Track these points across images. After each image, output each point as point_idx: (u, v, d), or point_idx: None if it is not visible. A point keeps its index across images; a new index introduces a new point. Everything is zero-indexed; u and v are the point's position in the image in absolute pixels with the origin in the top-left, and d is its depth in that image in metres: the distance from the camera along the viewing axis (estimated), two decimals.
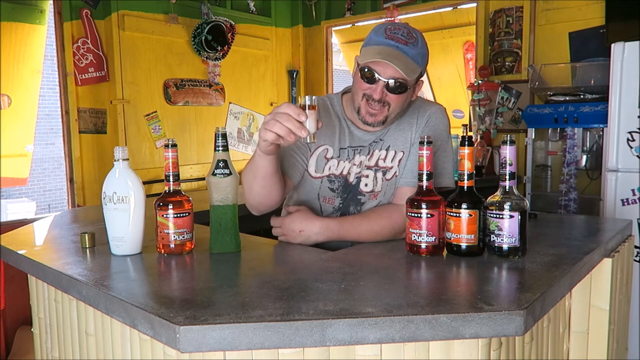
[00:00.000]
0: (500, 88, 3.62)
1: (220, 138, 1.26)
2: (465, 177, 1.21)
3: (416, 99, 1.57)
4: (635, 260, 2.40)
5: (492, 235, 1.20)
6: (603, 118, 2.74)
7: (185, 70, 4.07)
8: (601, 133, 3.00)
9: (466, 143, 1.20)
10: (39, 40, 3.52)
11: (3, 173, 3.50)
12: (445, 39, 5.20)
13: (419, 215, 1.22)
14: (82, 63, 3.60)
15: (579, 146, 3.11)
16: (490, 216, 1.19)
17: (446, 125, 1.54)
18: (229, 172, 1.27)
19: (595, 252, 1.28)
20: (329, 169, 1.53)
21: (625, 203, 2.60)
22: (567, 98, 3.11)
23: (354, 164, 1.52)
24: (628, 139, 2.59)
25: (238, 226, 1.32)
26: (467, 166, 1.21)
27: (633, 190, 2.58)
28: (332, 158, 1.53)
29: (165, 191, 1.29)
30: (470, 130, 3.73)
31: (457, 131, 4.27)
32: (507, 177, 1.19)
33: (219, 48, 4.06)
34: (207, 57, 4.10)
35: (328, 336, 0.86)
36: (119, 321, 1.00)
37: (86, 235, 1.36)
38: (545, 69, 3.33)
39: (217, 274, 1.19)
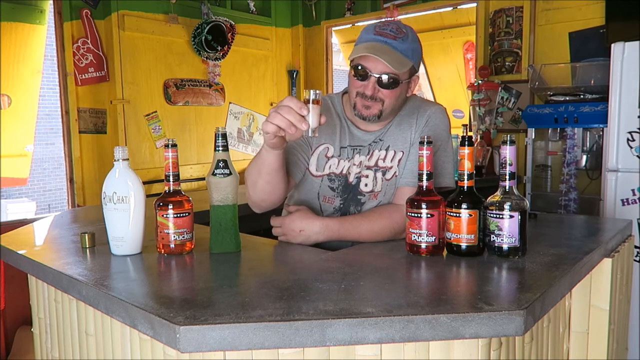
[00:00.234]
0: (500, 88, 3.62)
1: (220, 138, 1.27)
2: (465, 177, 1.21)
3: (416, 99, 1.57)
4: (635, 260, 2.40)
5: (492, 235, 1.20)
6: (603, 118, 2.74)
7: (185, 70, 4.07)
8: (601, 133, 3.00)
9: (466, 143, 1.20)
10: (39, 40, 3.52)
11: (3, 173, 3.51)
12: (445, 39, 5.20)
13: (419, 215, 1.22)
14: (82, 63, 3.60)
15: (579, 146, 3.11)
16: (490, 216, 1.19)
17: (446, 125, 1.54)
18: (229, 172, 1.27)
19: (595, 252, 1.28)
20: (329, 167, 1.54)
21: (625, 203, 2.60)
22: (567, 98, 3.11)
23: (354, 164, 1.52)
24: (628, 139, 2.59)
25: (238, 226, 1.32)
26: (467, 166, 1.21)
27: (633, 190, 2.58)
28: (332, 157, 1.54)
29: (165, 191, 1.29)
30: (470, 130, 3.73)
31: (457, 131, 4.26)
32: (507, 177, 1.19)
33: (219, 48, 4.06)
34: (207, 57, 4.10)
35: (328, 336, 0.86)
36: (119, 321, 1.00)
37: (86, 235, 1.36)
38: (545, 69, 3.33)
39: (217, 274, 1.19)
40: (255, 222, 1.71)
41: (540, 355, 1.17)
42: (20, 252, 1.36)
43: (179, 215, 1.26)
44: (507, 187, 1.19)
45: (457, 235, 1.21)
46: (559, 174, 3.15)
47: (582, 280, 1.24)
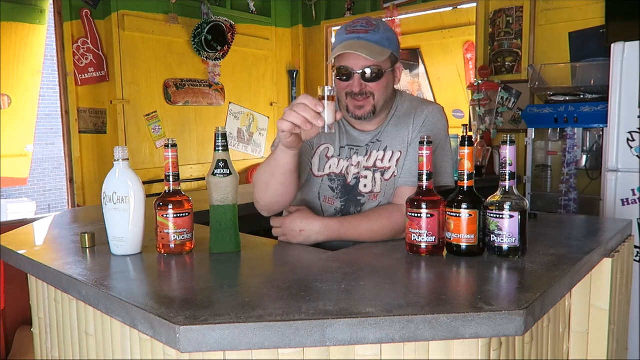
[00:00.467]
0: (500, 88, 3.62)
1: (220, 138, 1.27)
2: (465, 177, 1.21)
3: (413, 99, 1.58)
4: (635, 260, 2.40)
5: (492, 235, 1.20)
6: (603, 118, 2.74)
7: (185, 70, 4.07)
8: (601, 133, 2.99)
9: (466, 143, 1.20)
10: (39, 40, 3.52)
11: (3, 173, 3.51)
12: (445, 39, 5.20)
13: (419, 215, 1.22)
14: (82, 63, 3.60)
15: (579, 146, 3.11)
16: (490, 216, 1.19)
17: (444, 124, 1.54)
18: (229, 172, 1.27)
19: (595, 252, 1.28)
20: (330, 167, 1.54)
21: (625, 203, 2.60)
22: (567, 98, 3.11)
23: (352, 164, 1.53)
24: (628, 139, 2.59)
25: (238, 226, 1.32)
26: (467, 166, 1.21)
27: (633, 190, 2.58)
28: (332, 157, 1.54)
29: (165, 191, 1.29)
30: (470, 130, 3.73)
31: (457, 131, 4.26)
32: (507, 177, 1.19)
33: (219, 48, 4.06)
34: (207, 57, 4.10)
35: (328, 336, 0.86)
36: (119, 321, 1.00)
37: (86, 235, 1.36)
38: (545, 69, 3.33)
39: (217, 274, 1.19)
40: (255, 222, 1.71)
41: (540, 355, 1.17)
42: (20, 252, 1.36)
43: (179, 215, 1.26)
44: (507, 187, 1.19)
45: (457, 235, 1.21)
46: (559, 174, 3.15)
47: (582, 280, 1.24)
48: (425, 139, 1.22)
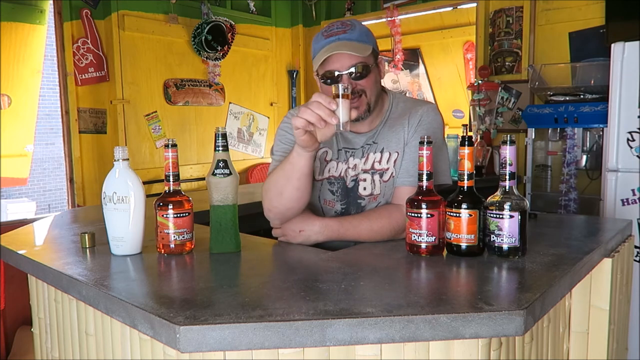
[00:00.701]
0: (500, 88, 3.62)
1: (220, 138, 1.27)
2: (465, 177, 1.21)
3: (407, 99, 1.59)
4: (635, 260, 2.40)
5: (492, 235, 1.20)
6: (603, 118, 2.74)
7: (185, 70, 4.08)
8: (601, 133, 2.99)
9: (466, 143, 1.19)
10: (39, 40, 3.52)
11: (3, 173, 3.51)
12: (445, 39, 5.19)
13: (418, 215, 1.22)
14: (82, 63, 3.60)
15: (579, 146, 3.11)
16: (490, 216, 1.19)
17: (439, 123, 1.54)
18: (229, 172, 1.27)
19: (595, 252, 1.28)
20: (329, 171, 1.54)
21: (625, 203, 2.60)
22: (567, 98, 3.11)
23: (349, 167, 1.53)
24: (628, 139, 2.59)
25: (238, 226, 1.32)
26: (467, 166, 1.21)
27: (633, 190, 2.58)
28: (331, 160, 1.54)
29: (165, 191, 1.29)
30: (470, 130, 3.73)
31: (457, 131, 4.28)
32: (507, 177, 1.19)
33: (219, 48, 4.06)
34: (207, 57, 4.11)
35: (328, 336, 0.86)
36: (119, 321, 1.00)
37: (86, 235, 1.36)
38: (545, 69, 3.33)
39: (217, 274, 1.19)
40: (255, 222, 1.71)
41: (540, 355, 1.17)
42: (20, 252, 1.36)
43: (179, 215, 1.26)
44: (507, 187, 1.19)
45: (457, 235, 1.21)
46: (559, 174, 3.15)
47: (582, 280, 1.24)
48: (425, 139, 1.22)
